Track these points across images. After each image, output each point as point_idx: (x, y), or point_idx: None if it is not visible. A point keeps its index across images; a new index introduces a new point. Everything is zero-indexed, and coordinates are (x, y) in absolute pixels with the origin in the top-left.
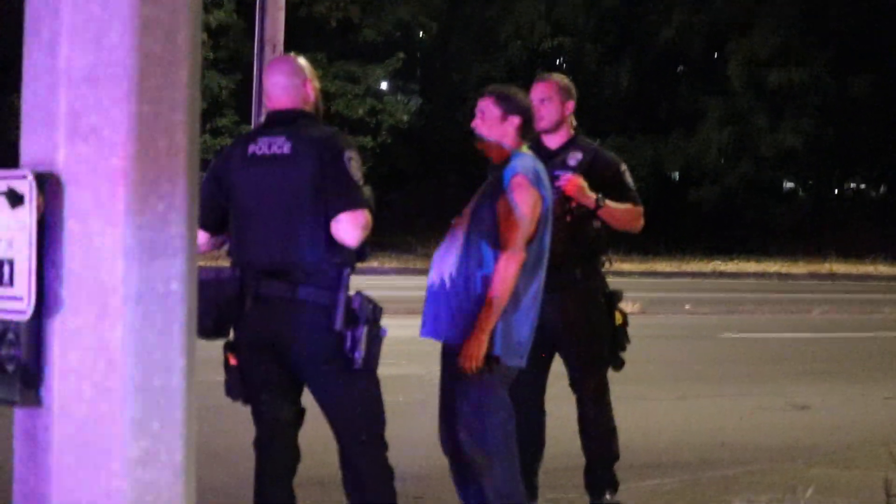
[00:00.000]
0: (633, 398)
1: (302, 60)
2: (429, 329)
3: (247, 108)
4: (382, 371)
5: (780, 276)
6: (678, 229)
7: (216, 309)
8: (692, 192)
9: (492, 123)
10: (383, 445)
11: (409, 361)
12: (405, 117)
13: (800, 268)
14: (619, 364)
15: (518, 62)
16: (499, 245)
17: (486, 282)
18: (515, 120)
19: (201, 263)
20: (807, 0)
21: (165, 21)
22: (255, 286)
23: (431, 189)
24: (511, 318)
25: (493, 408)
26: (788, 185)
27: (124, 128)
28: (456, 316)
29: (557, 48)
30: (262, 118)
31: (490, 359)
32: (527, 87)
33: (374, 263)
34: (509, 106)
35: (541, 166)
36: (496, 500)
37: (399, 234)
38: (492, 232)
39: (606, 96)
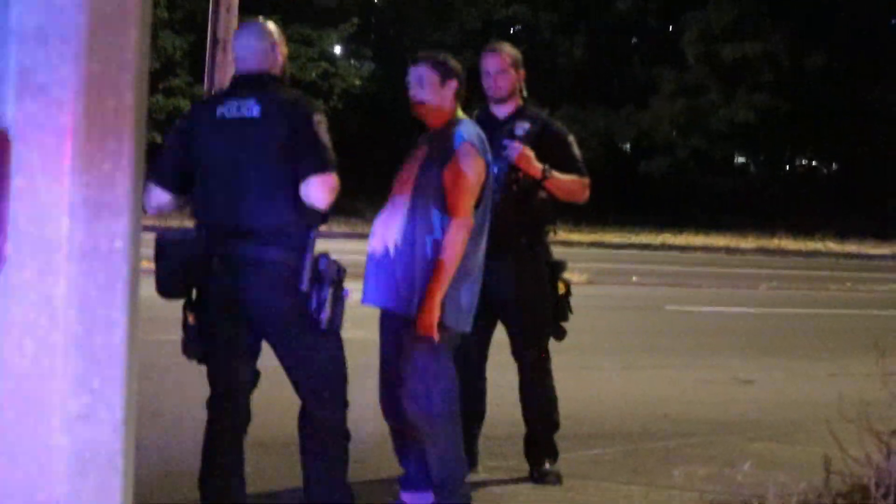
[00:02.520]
0: (577, 368)
1: (271, 24)
2: (371, 296)
3: (200, 69)
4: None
5: (728, 250)
6: (628, 201)
7: (182, 269)
8: (643, 164)
9: (431, 89)
10: (344, 403)
11: (352, 325)
12: (358, 82)
13: (749, 242)
14: (560, 334)
15: (471, 30)
16: (446, 211)
17: (437, 247)
18: (453, 84)
19: (165, 224)
20: None
21: None
22: (222, 246)
23: (382, 155)
24: (458, 284)
25: (437, 374)
26: (740, 159)
27: (73, 86)
28: (401, 283)
29: (512, 17)
30: (227, 81)
31: (440, 326)
32: (478, 54)
33: (323, 228)
34: (446, 71)
35: (481, 132)
36: (438, 466)
37: (348, 200)
38: (439, 197)
39: (560, 66)
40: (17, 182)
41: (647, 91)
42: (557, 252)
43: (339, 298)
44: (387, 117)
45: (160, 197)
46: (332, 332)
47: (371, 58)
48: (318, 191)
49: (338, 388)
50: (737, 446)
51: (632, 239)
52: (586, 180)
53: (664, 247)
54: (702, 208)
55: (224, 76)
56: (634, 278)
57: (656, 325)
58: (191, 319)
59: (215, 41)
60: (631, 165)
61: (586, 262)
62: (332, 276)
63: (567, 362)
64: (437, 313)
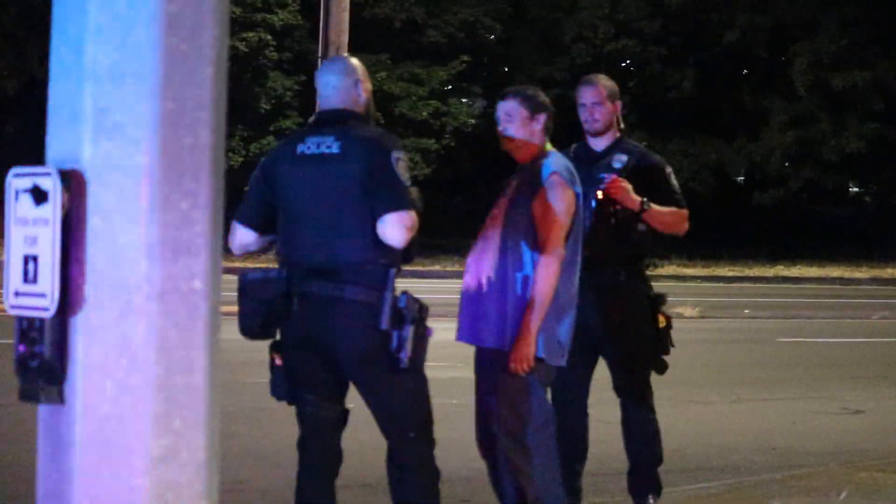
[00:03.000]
0: (687, 402)
1: (355, 61)
2: (465, 333)
3: (311, 110)
4: (436, 374)
5: (842, 280)
6: (742, 234)
7: (263, 309)
8: (756, 196)
9: (520, 123)
10: (431, 443)
11: (463, 364)
12: (470, 120)
13: (863, 272)
14: (662, 368)
15: (581, 64)
16: (537, 245)
17: (526, 283)
18: (542, 117)
19: (250, 264)
20: (871, 2)
21: (190, 18)
22: (302, 285)
23: (495, 192)
24: (551, 318)
25: (532, 409)
26: (855, 189)
27: (149, 125)
28: (492, 319)
29: (621, 50)
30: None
31: (535, 360)
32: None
33: (437, 267)
34: (535, 105)
35: (570, 164)
36: (535, 501)
37: (462, 238)
38: (529, 232)
39: (670, 99)
40: (93, 222)
41: (758, 122)
42: (670, 287)
43: (420, 337)
44: (499, 155)
45: (244, 236)
46: (415, 371)
47: (482, 95)
48: (394, 229)
49: (423, 427)
50: (842, 476)
51: (745, 272)
52: (685, 212)
53: (778, 279)
54: (816, 239)
55: None
56: (746, 311)
57: (767, 357)
58: (277, 360)
59: None
60: (744, 198)
61: (699, 296)
62: (412, 315)
63: (676, 396)
64: (532, 348)
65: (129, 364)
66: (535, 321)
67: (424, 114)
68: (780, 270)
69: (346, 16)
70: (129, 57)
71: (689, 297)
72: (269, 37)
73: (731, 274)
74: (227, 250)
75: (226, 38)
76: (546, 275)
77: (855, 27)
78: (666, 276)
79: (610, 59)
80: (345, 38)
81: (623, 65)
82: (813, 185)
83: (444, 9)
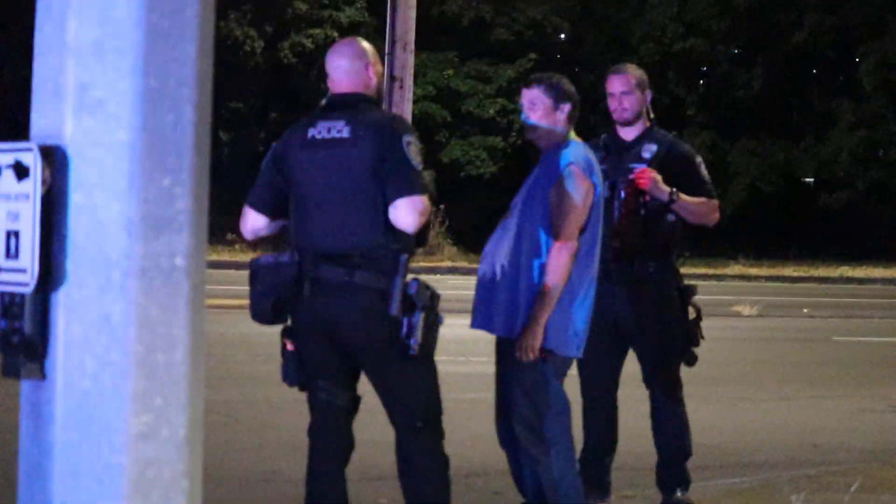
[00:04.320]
0: (735, 399)
1: (365, 44)
2: (480, 321)
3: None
4: (471, 368)
5: None
6: (809, 234)
7: (275, 293)
8: (824, 197)
9: (544, 112)
10: (439, 433)
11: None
12: None
13: None
14: (691, 360)
15: (650, 63)
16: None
17: (542, 271)
18: (566, 107)
19: (259, 251)
20: None
21: None
22: (314, 270)
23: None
24: (565, 308)
25: (548, 400)
26: None
27: (130, 101)
28: (509, 307)
29: (689, 50)
30: (406, 117)
31: (544, 351)
32: (658, 89)
33: None
34: (560, 94)
35: (591, 154)
36: (552, 492)
37: None
38: (546, 221)
39: (738, 98)
40: (75, 198)
41: (826, 122)
42: (735, 286)
43: (431, 324)
44: None
45: (255, 221)
46: (424, 358)
47: None
48: (406, 214)
49: (431, 417)
50: (877, 474)
51: (810, 272)
52: (715, 202)
53: (842, 279)
54: (883, 240)
55: (402, 112)
56: (805, 310)
57: (821, 356)
58: (288, 346)
59: (392, 79)
60: (811, 198)
61: (761, 295)
62: (424, 301)
63: (724, 393)
64: (538, 338)
65: (110, 340)
66: (543, 312)
67: (491, 111)
68: (846, 271)
69: (412, 13)
70: (110, 33)
71: (751, 296)
72: (335, 33)
73: (795, 274)
74: (243, 239)
75: (210, 16)
76: (557, 265)
77: None
78: (731, 276)
79: (678, 59)
80: (412, 35)
81: (691, 64)
82: (880, 186)
83: (512, 7)
